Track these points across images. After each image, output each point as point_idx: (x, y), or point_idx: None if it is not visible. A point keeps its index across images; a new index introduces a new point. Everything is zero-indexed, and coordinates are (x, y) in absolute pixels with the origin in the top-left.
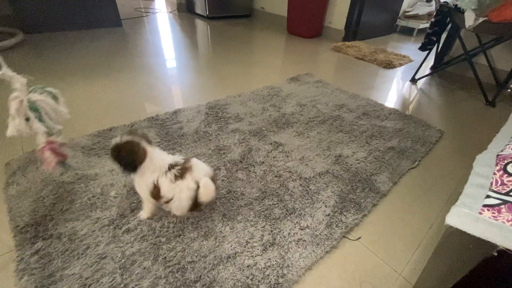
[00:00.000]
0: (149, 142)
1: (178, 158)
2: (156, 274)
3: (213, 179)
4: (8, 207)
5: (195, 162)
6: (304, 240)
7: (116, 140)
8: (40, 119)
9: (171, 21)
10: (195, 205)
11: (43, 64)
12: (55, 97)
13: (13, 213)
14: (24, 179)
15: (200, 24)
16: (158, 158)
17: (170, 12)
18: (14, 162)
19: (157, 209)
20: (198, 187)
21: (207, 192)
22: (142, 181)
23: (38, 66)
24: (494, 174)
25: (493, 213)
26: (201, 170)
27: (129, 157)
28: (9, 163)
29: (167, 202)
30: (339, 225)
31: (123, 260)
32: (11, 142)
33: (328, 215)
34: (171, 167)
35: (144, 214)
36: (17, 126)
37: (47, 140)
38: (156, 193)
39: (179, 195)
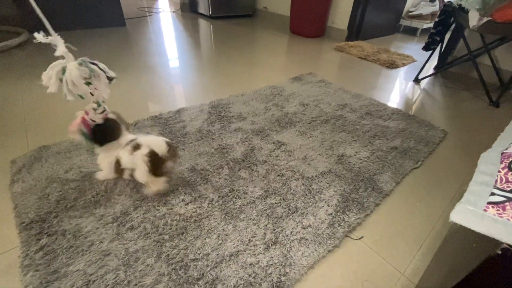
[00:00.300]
0: (127, 128)
1: (138, 136)
2: (159, 271)
3: (170, 145)
4: (14, 204)
5: (152, 138)
6: (307, 239)
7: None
8: (61, 81)
9: (174, 21)
10: (157, 169)
11: (47, 63)
12: (93, 75)
13: (18, 209)
14: (29, 177)
15: (203, 23)
16: (124, 138)
17: (173, 11)
18: (20, 159)
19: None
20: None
21: (158, 145)
22: (106, 157)
23: (42, 65)
24: (499, 172)
25: (498, 210)
26: (156, 140)
27: (104, 133)
28: (15, 160)
29: (132, 174)
30: (341, 224)
31: (126, 257)
32: (17, 140)
33: (331, 214)
34: (129, 141)
35: (100, 175)
36: (46, 75)
37: (85, 111)
38: (118, 167)
39: (138, 163)
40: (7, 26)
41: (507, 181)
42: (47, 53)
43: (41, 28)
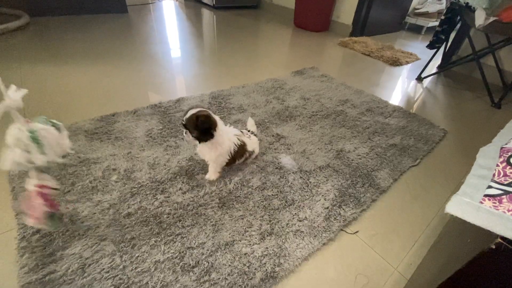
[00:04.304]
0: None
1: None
2: (155, 258)
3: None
4: (11, 186)
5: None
6: (302, 231)
7: (191, 111)
8: (43, 152)
9: (177, 10)
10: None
11: (47, 47)
12: (58, 130)
13: (15, 192)
14: None
15: (206, 13)
16: (225, 128)
17: (177, 0)
18: None
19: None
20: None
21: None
22: (220, 146)
23: (42, 49)
24: (497, 165)
25: (494, 203)
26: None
27: (207, 124)
28: None
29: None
30: (337, 218)
31: (123, 243)
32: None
33: (327, 208)
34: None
35: (212, 175)
36: (17, 158)
37: (38, 184)
38: (242, 150)
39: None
40: (8, 8)
41: (505, 174)
42: (46, 38)
43: (43, 12)
